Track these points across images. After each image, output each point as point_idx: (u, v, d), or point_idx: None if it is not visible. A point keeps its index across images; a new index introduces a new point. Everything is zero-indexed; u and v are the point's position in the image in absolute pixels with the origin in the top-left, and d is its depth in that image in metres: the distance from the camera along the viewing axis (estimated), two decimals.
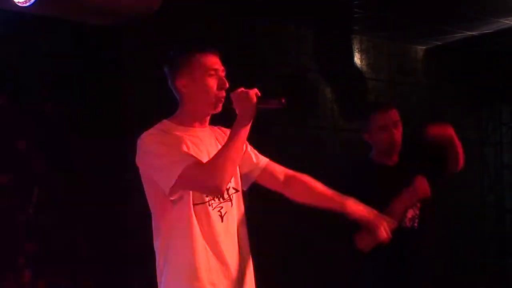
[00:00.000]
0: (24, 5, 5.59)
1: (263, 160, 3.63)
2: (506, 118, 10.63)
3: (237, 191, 3.42)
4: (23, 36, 6.49)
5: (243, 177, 3.53)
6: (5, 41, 6.42)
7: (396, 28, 8.56)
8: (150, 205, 3.35)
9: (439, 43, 9.26)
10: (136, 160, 3.32)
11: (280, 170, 3.64)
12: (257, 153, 3.67)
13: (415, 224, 4.92)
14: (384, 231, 3.57)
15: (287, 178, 3.63)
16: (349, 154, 8.44)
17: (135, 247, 6.80)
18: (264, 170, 3.58)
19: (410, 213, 4.90)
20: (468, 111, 10.12)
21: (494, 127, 10.54)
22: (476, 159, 10.20)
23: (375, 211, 3.64)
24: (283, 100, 3.33)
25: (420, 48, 9.49)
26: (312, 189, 3.62)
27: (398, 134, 5.01)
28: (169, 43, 7.04)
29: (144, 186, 3.34)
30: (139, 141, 3.32)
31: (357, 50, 8.81)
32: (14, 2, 5.55)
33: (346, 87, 8.66)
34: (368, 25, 8.38)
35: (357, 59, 8.82)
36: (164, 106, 6.96)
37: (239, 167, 3.47)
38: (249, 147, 3.62)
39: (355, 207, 3.62)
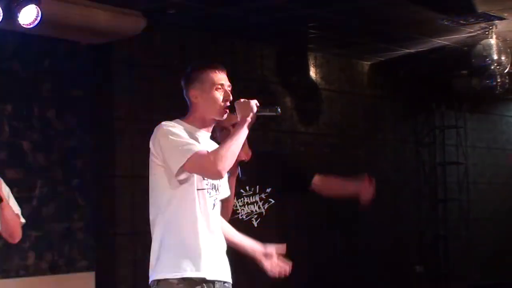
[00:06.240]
0: (29, 26, 5.60)
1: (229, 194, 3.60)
2: (438, 122, 10.80)
3: (220, 192, 3.45)
4: (27, 53, 6.51)
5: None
6: (12, 58, 6.43)
7: (345, 46, 8.65)
8: (152, 185, 3.34)
9: (382, 58, 9.38)
10: (150, 142, 3.30)
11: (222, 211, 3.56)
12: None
13: None
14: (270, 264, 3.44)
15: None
16: (306, 153, 8.53)
17: (124, 232, 6.85)
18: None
19: None
20: (406, 116, 10.23)
21: (428, 130, 10.68)
22: (412, 158, 10.36)
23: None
24: (279, 109, 3.42)
25: (366, 63, 9.59)
26: (228, 235, 3.54)
27: None
28: (152, 58, 7.11)
29: (151, 166, 3.33)
30: (157, 127, 3.31)
31: (312, 65, 8.89)
32: (19, 24, 5.55)
33: (303, 97, 8.74)
34: (321, 44, 8.46)
35: (312, 72, 8.90)
36: (150, 110, 7.01)
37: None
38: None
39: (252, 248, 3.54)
